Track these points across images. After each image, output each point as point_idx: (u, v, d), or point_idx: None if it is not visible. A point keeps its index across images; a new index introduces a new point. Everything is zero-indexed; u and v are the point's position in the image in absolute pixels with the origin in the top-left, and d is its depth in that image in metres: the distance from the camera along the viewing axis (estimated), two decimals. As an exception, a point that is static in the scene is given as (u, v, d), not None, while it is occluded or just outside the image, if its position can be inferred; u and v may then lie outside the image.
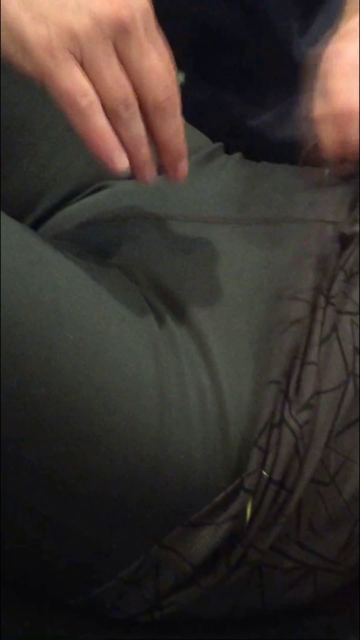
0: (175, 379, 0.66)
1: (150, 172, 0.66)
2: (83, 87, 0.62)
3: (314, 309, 0.69)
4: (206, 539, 0.65)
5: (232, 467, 0.65)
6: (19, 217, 0.80)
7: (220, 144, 0.88)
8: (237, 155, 0.88)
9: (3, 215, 0.63)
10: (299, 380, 0.67)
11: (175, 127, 0.66)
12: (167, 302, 0.71)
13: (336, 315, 0.69)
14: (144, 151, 0.65)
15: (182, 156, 0.67)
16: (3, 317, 0.60)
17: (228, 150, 0.90)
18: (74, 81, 0.61)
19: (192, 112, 0.91)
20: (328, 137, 0.75)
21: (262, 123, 0.97)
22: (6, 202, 0.77)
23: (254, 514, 0.65)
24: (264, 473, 0.64)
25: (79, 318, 0.64)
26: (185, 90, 0.89)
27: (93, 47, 0.61)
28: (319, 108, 0.76)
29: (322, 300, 0.70)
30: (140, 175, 0.66)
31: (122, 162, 0.64)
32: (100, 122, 0.62)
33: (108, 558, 0.66)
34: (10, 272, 0.61)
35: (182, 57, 0.90)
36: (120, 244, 0.74)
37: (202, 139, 0.89)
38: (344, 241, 0.72)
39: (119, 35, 0.62)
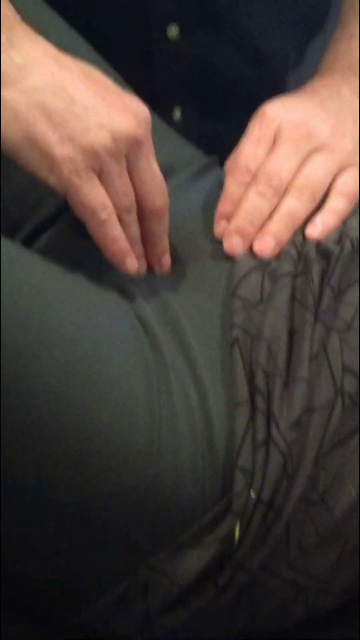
0: (165, 398, 0.65)
1: (142, 266, 0.73)
2: (104, 201, 0.68)
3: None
4: (194, 560, 0.64)
5: (219, 487, 0.65)
6: (10, 232, 0.80)
7: (215, 157, 0.87)
8: None
9: None
10: (286, 397, 0.66)
11: (164, 228, 0.73)
12: (158, 316, 0.70)
13: (325, 332, 0.68)
14: (138, 249, 0.72)
15: (166, 251, 0.74)
16: None
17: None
18: (96, 196, 0.67)
19: None
20: None
21: None
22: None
23: (242, 535, 0.64)
24: (252, 495, 0.64)
25: (69, 338, 0.63)
26: (181, 126, 0.90)
27: (111, 162, 0.68)
28: None
29: (309, 316, 0.69)
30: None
31: (133, 266, 0.72)
32: (116, 231, 0.69)
33: (96, 579, 0.66)
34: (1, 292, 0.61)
35: (179, 93, 0.90)
36: None
37: (196, 152, 0.89)
38: (327, 257, 0.72)
39: (131, 150, 0.68)
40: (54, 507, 0.63)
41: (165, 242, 0.74)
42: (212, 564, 0.65)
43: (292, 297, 0.70)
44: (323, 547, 0.66)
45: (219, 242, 0.77)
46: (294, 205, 0.75)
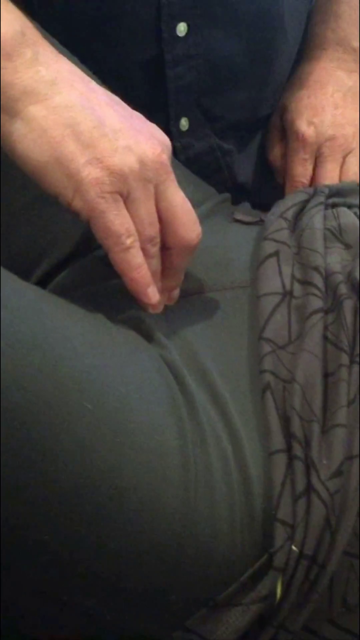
0: (198, 448, 0.62)
1: (162, 300, 0.69)
2: (129, 227, 0.65)
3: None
4: (233, 621, 0.60)
5: (258, 542, 0.61)
6: (25, 273, 0.77)
7: (227, 195, 0.85)
8: (245, 206, 0.85)
9: (13, 278, 0.59)
10: (325, 444, 0.62)
11: (188, 262, 0.70)
12: (185, 362, 0.67)
13: None
14: (158, 283, 0.68)
15: (179, 284, 0.71)
16: (20, 389, 0.55)
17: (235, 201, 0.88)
18: (122, 222, 0.64)
19: (193, 164, 0.88)
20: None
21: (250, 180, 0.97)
22: (11, 258, 0.73)
23: (284, 592, 0.60)
24: (294, 548, 0.60)
25: (98, 386, 0.59)
26: (187, 137, 0.88)
27: (138, 187, 0.64)
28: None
29: (345, 358, 0.66)
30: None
31: (155, 296, 0.67)
32: (139, 259, 0.66)
33: None
34: (26, 340, 0.57)
35: (187, 101, 0.88)
36: (134, 301, 0.70)
37: (209, 190, 0.86)
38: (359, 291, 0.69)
39: (159, 176, 0.66)
40: (83, 569, 0.59)
41: (182, 276, 0.71)
42: (252, 624, 0.60)
43: (324, 337, 0.67)
44: (367, 603, 0.62)
45: (235, 278, 0.74)
46: None
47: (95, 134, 0.63)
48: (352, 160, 0.94)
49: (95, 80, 0.72)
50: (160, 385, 0.63)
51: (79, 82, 0.65)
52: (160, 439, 0.60)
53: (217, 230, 0.80)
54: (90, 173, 0.63)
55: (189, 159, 0.89)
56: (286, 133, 0.96)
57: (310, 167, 0.94)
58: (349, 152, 0.94)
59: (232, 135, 0.93)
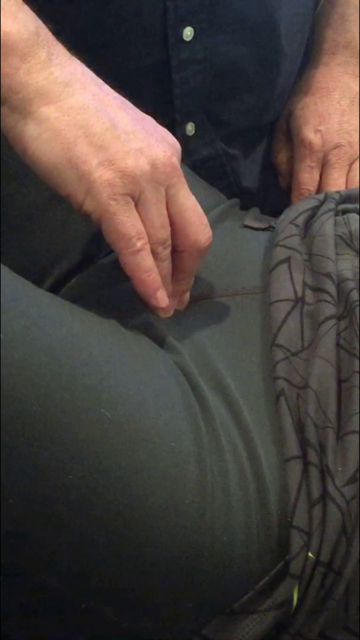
0: (214, 454, 0.62)
1: (172, 304, 0.69)
2: (140, 230, 0.64)
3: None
4: (250, 628, 0.60)
5: (274, 549, 0.61)
6: (39, 279, 0.77)
7: (236, 200, 0.85)
8: (254, 212, 0.86)
9: (30, 286, 0.59)
10: (339, 451, 0.62)
11: (199, 265, 0.70)
12: (198, 367, 0.67)
13: None
14: (168, 287, 0.69)
15: (190, 288, 0.71)
16: (37, 397, 0.55)
17: (243, 207, 0.88)
18: (133, 224, 0.64)
19: (199, 169, 0.88)
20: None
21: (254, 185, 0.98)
22: (24, 266, 0.73)
23: (301, 599, 0.60)
24: (310, 555, 0.60)
25: (115, 393, 0.59)
26: (193, 142, 0.88)
27: (149, 190, 0.65)
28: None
29: (357, 364, 0.66)
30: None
31: (164, 300, 0.67)
32: (149, 262, 0.66)
33: None
34: (43, 349, 0.57)
35: (193, 106, 0.88)
36: (145, 305, 0.70)
37: (218, 195, 0.86)
38: None
39: (170, 179, 0.66)
40: (100, 577, 0.58)
41: (192, 280, 0.71)
42: (269, 631, 0.60)
43: (337, 343, 0.67)
44: (383, 610, 0.63)
45: (246, 283, 0.74)
46: None
47: (108, 136, 0.64)
48: (358, 168, 0.95)
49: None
50: (175, 391, 0.63)
51: (91, 84, 0.65)
52: (177, 446, 0.60)
53: (227, 235, 0.80)
54: (102, 175, 0.63)
55: (194, 164, 0.89)
56: (292, 138, 0.96)
57: (316, 175, 0.95)
58: (355, 160, 0.95)
59: (237, 141, 0.94)
